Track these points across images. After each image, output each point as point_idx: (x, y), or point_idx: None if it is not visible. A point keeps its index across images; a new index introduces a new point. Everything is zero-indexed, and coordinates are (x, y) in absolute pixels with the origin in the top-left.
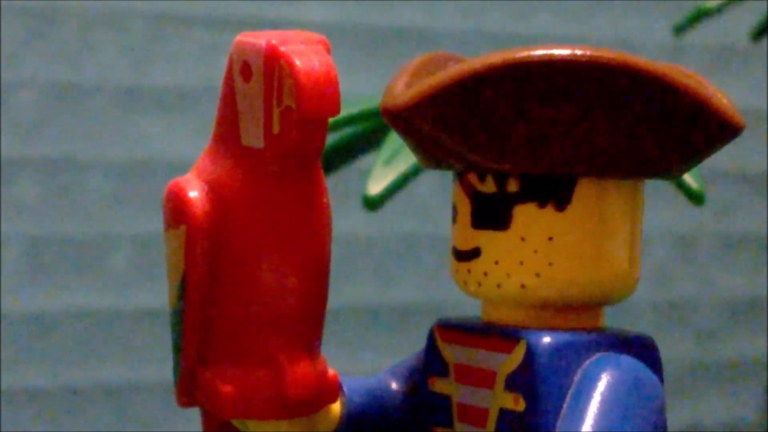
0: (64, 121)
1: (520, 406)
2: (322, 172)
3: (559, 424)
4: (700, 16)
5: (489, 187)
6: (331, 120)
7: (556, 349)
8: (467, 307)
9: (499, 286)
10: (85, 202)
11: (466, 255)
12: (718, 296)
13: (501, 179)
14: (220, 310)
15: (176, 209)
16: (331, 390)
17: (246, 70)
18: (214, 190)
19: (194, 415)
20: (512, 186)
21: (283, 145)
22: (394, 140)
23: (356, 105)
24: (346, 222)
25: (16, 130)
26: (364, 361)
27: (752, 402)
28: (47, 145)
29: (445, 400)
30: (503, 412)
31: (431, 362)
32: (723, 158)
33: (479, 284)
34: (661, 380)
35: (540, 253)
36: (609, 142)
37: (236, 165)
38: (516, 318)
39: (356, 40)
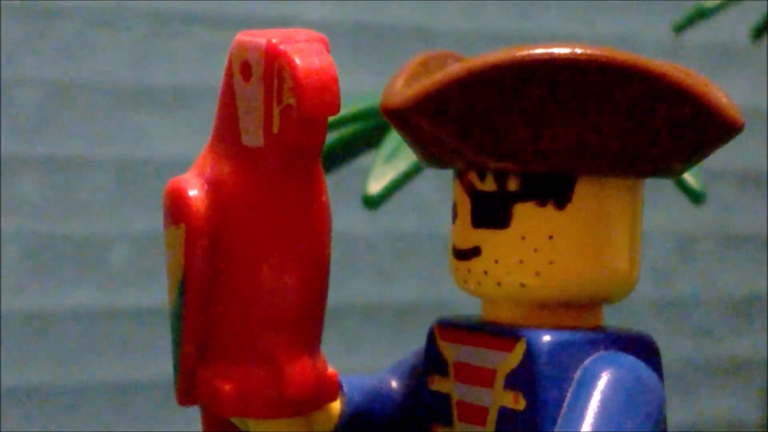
0: (64, 120)
1: (520, 404)
2: (322, 170)
3: (559, 422)
4: (699, 15)
5: (489, 185)
6: (330, 119)
7: (556, 348)
8: (467, 306)
9: (499, 284)
10: (85, 201)
11: (466, 254)
12: (718, 295)
13: (501, 178)
14: (219, 309)
15: (176, 208)
16: (330, 389)
17: (246, 69)
18: (213, 188)
19: (194, 414)
20: (512, 185)
21: (283, 144)
22: (394, 139)
23: (356, 103)
24: (345, 220)
25: (16, 129)
26: (363, 359)
27: (752, 400)
28: (47, 143)
29: (445, 398)
30: (503, 411)
31: (431, 361)
32: (723, 157)
33: (479, 283)
34: (661, 379)
35: (540, 251)
36: (609, 140)
37: (236, 164)
38: (516, 317)
39: (356, 39)
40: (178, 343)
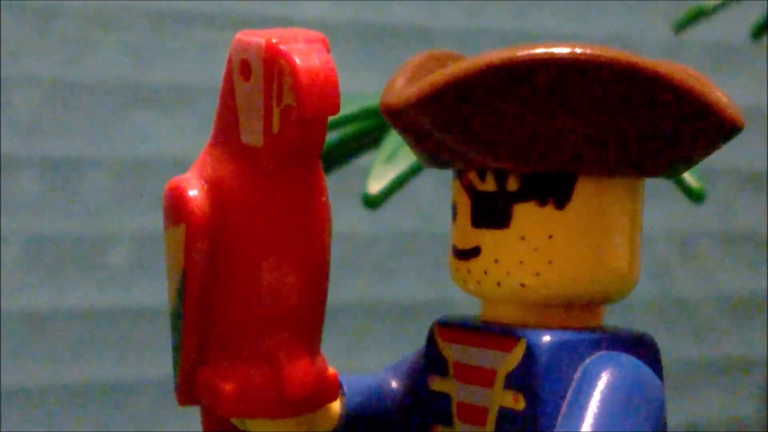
0: (64, 119)
1: (520, 404)
2: (321, 170)
3: (559, 422)
4: (699, 14)
5: (489, 185)
6: (330, 119)
7: (556, 348)
8: (467, 306)
9: (499, 284)
10: (85, 200)
11: (466, 254)
12: (718, 294)
13: (501, 177)
14: (219, 309)
15: (176, 207)
16: (330, 388)
17: (246, 69)
18: (213, 188)
19: (194, 414)
20: (512, 184)
21: (283, 143)
22: (393, 138)
23: (356, 103)
24: (345, 220)
25: (17, 128)
26: (364, 359)
27: (752, 400)
28: (47, 142)
29: (445, 398)
30: (503, 411)
31: (431, 361)
32: (723, 156)
33: (479, 283)
34: (662, 379)
35: (540, 251)
36: (609, 140)
37: (236, 163)
38: (516, 317)
39: (356, 39)
40: (178, 343)
